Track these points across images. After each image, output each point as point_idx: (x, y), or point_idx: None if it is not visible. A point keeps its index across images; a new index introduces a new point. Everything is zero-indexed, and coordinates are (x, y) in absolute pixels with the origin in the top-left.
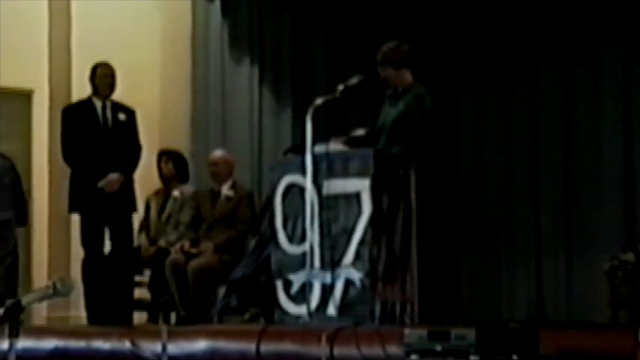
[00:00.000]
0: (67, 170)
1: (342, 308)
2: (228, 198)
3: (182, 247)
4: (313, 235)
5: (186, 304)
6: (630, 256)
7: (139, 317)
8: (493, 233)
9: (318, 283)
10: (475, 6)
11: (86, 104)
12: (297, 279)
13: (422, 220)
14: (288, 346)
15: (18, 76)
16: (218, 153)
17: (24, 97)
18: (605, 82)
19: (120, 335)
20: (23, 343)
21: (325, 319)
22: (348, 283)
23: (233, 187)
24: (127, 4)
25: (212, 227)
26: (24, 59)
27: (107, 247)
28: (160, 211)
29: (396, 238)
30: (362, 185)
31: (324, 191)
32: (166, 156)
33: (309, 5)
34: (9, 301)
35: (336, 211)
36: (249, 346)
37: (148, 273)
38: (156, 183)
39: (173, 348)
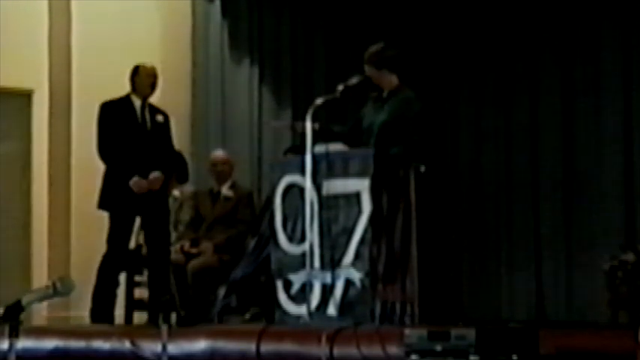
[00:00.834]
0: (67, 170)
1: (342, 308)
2: (227, 198)
3: (182, 247)
4: (313, 235)
5: (186, 304)
6: (630, 256)
7: (139, 317)
8: (493, 233)
9: (318, 283)
10: (476, 6)
11: (125, 102)
12: (297, 279)
13: (422, 220)
14: (288, 346)
15: (18, 76)
16: (220, 153)
17: (24, 97)
18: (606, 81)
19: (120, 335)
20: (23, 343)
21: (325, 319)
22: (348, 283)
23: (233, 187)
24: (127, 4)
25: (212, 227)
26: (24, 59)
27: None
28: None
29: (396, 238)
30: (362, 185)
31: (324, 191)
32: None
33: (309, 5)
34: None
35: (336, 211)
36: (249, 346)
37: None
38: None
39: (173, 348)
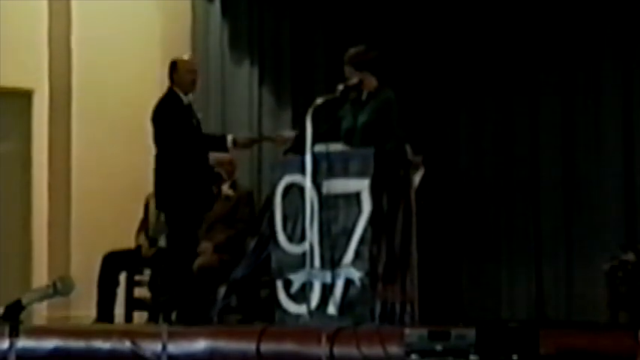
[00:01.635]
0: (67, 170)
1: (342, 308)
2: (227, 197)
3: None
4: (313, 235)
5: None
6: (630, 256)
7: (140, 317)
8: (493, 233)
9: (318, 282)
10: (477, 8)
11: (172, 96)
12: (297, 278)
13: (422, 219)
14: (288, 346)
15: (18, 76)
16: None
17: (24, 96)
18: (606, 82)
19: (120, 335)
20: (23, 342)
21: (325, 318)
22: (348, 282)
23: (233, 186)
24: (127, 4)
25: (212, 227)
26: (24, 59)
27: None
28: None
29: (396, 238)
30: (362, 185)
31: (324, 191)
32: None
33: (309, 5)
34: None
35: (336, 210)
36: (250, 346)
37: (147, 272)
38: None
39: (173, 348)
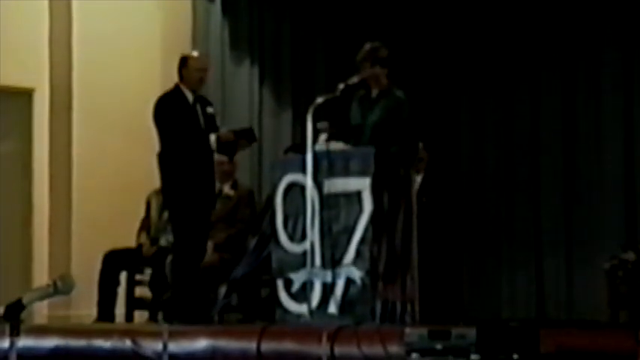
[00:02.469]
0: (67, 169)
1: (343, 307)
2: (228, 197)
3: None
4: (314, 234)
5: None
6: (630, 255)
7: (140, 316)
8: (494, 232)
9: (318, 281)
10: (478, 7)
11: (177, 93)
12: (298, 278)
13: (422, 219)
14: (288, 345)
15: (19, 75)
16: None
17: (25, 96)
18: (606, 81)
19: (121, 334)
20: (24, 341)
21: (326, 317)
22: (349, 281)
23: (234, 186)
24: (128, 3)
25: (213, 226)
26: (25, 58)
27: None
28: (161, 210)
29: (397, 237)
30: (363, 184)
31: (325, 190)
32: None
33: (309, 5)
34: None
35: (336, 209)
36: (250, 345)
37: (148, 272)
38: (156, 182)
39: (174, 347)
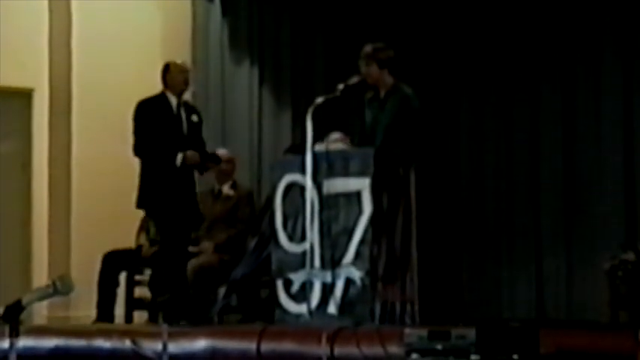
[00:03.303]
0: (67, 170)
1: (342, 307)
2: (228, 197)
3: None
4: (314, 234)
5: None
6: (630, 256)
7: (140, 316)
8: (493, 233)
9: (318, 282)
10: (478, 7)
11: (161, 99)
12: (297, 278)
13: (422, 219)
14: (288, 346)
15: (18, 76)
16: (223, 152)
17: (24, 96)
18: (606, 82)
19: (120, 335)
20: (24, 342)
21: (326, 318)
22: (349, 282)
23: (233, 186)
24: (128, 4)
25: (212, 226)
26: (24, 59)
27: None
28: None
29: (397, 238)
30: (362, 184)
31: (325, 190)
32: None
33: (309, 5)
34: None
35: (336, 210)
36: (250, 346)
37: (148, 272)
38: None
39: (174, 347)
